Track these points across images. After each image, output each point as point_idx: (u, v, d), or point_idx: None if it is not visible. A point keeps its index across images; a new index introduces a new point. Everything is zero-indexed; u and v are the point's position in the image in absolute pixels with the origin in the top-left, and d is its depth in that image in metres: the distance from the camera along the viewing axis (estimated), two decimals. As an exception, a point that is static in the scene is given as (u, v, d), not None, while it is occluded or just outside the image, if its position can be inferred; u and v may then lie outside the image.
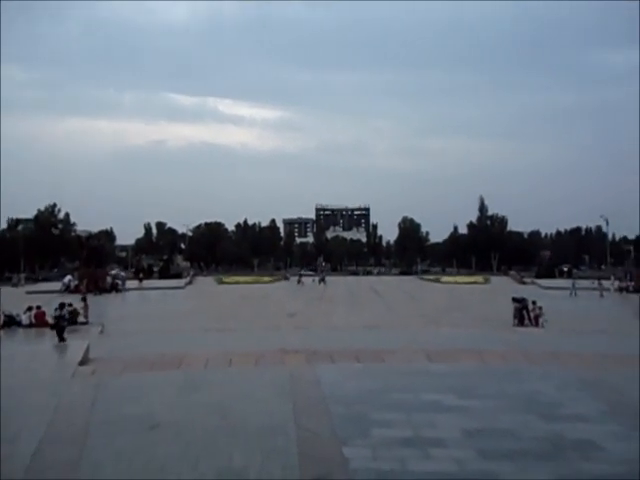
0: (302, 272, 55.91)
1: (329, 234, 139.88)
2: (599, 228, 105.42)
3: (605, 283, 36.39)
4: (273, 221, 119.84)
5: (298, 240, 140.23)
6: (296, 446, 4.84)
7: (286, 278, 51.92)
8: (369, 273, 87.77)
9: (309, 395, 6.64)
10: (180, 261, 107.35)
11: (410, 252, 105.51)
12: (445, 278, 61.12)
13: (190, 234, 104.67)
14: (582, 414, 5.76)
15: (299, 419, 5.60)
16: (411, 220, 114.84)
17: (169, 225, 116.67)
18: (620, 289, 35.50)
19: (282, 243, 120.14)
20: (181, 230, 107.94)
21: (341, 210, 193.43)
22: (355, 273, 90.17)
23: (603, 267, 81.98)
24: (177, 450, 4.78)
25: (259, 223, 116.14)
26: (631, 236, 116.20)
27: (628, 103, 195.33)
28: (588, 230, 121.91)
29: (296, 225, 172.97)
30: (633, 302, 27.43)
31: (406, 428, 5.37)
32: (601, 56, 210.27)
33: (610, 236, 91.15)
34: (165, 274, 63.18)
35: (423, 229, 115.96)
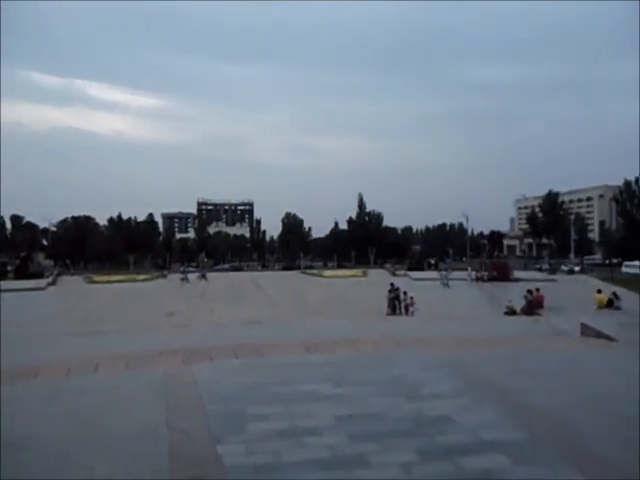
0: (185, 269, 53.86)
1: (211, 229, 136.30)
2: (461, 224, 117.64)
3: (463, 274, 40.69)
4: (151, 215, 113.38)
5: (178, 236, 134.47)
6: (167, 449, 4.64)
7: (164, 275, 49.58)
8: (239, 269, 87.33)
9: (183, 396, 6.41)
10: (42, 259, 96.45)
11: (293, 247, 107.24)
12: (327, 272, 63.38)
13: (54, 229, 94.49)
14: (440, 392, 6.35)
15: (171, 421, 5.38)
16: (294, 216, 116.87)
17: (28, 219, 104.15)
18: (476, 279, 39.90)
19: (161, 239, 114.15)
20: (43, 225, 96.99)
21: (224, 205, 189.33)
22: (238, 269, 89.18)
23: (464, 259, 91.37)
24: (31, 469, 4.28)
25: (135, 217, 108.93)
26: (486, 231, 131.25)
27: (490, 112, 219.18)
28: (452, 226, 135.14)
29: (176, 220, 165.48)
30: (487, 290, 31.07)
31: (282, 420, 5.43)
32: (467, 69, 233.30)
33: (470, 231, 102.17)
34: (22, 274, 56.40)
35: (306, 225, 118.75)
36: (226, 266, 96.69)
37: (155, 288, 38.53)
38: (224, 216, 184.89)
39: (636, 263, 69.34)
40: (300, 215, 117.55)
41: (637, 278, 48.03)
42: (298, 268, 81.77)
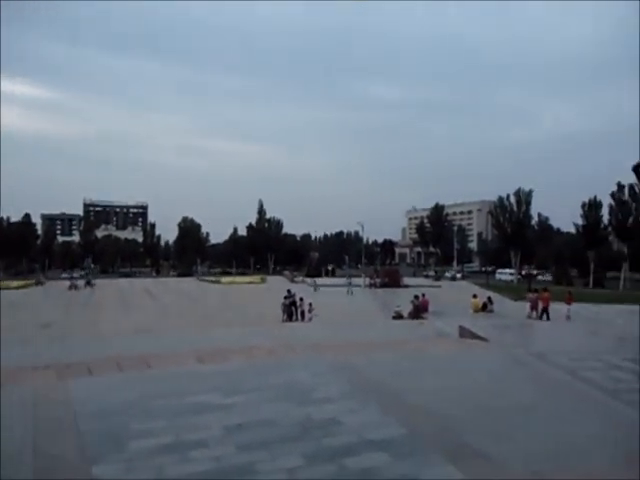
0: (75, 275, 49.22)
1: (99, 233, 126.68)
2: (357, 233, 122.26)
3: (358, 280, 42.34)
4: (27, 216, 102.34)
5: (61, 239, 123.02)
6: (32, 476, 4.19)
7: (40, 282, 44.98)
8: (129, 275, 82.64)
9: (55, 416, 5.84)
10: None
11: (190, 253, 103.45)
12: (225, 279, 62.08)
13: None
14: (330, 396, 6.51)
15: (40, 445, 4.87)
16: (191, 220, 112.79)
17: None
18: (370, 285, 41.73)
19: (39, 242, 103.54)
20: None
21: (115, 207, 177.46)
22: (127, 275, 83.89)
23: (359, 266, 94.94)
24: None
25: (8, 218, 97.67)
26: (380, 240, 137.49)
27: (386, 127, 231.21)
28: (349, 234, 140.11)
29: (58, 222, 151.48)
30: (379, 296, 32.60)
31: (167, 434, 5.19)
32: (367, 85, 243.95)
33: (365, 240, 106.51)
34: None
35: (204, 230, 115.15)
36: (125, 272, 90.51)
37: (31, 296, 34.78)
38: (114, 219, 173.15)
39: (507, 271, 77.46)
40: (198, 220, 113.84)
41: (508, 284, 53.67)
42: (195, 275, 79.14)
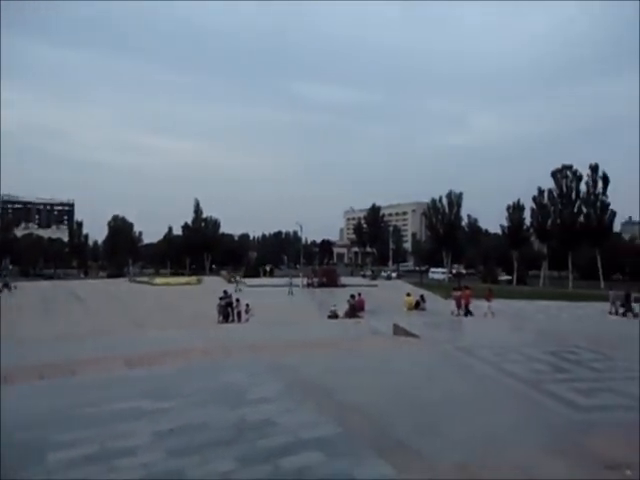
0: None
1: (19, 232, 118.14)
2: (295, 232, 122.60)
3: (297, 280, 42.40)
4: None
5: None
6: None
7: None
8: (51, 278, 77.56)
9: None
10: None
11: (121, 253, 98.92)
12: (158, 280, 59.94)
13: None
14: (265, 397, 6.47)
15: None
16: (123, 219, 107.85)
17: None
18: (307, 285, 41.92)
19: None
20: None
21: (37, 204, 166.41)
22: (51, 277, 78.81)
23: (298, 266, 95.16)
24: None
25: None
26: (319, 240, 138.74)
27: (325, 128, 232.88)
28: (287, 234, 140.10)
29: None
30: (317, 295, 32.84)
31: (92, 444, 4.92)
32: (307, 86, 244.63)
33: (303, 240, 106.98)
34: None
35: (136, 229, 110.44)
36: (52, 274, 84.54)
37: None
38: (36, 217, 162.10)
39: (440, 270, 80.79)
40: (129, 218, 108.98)
41: (440, 283, 55.96)
42: (126, 276, 75.80)
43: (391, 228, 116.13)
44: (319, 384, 7.24)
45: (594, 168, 64.08)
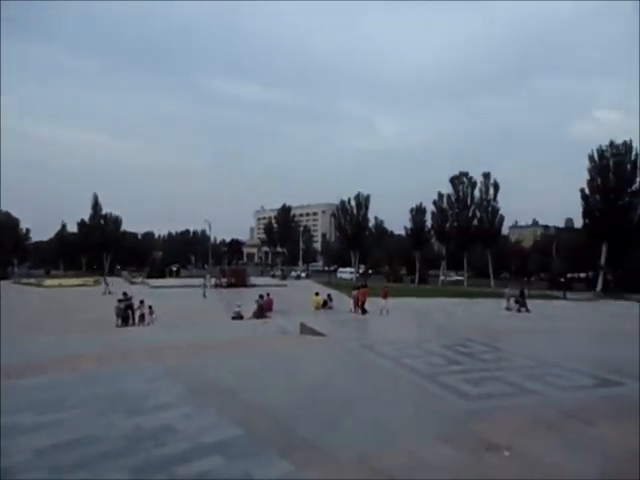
0: None
1: None
2: (204, 231, 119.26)
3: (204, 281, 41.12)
4: None
5: None
6: None
7: None
8: None
9: None
10: None
11: (5, 252, 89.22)
12: (49, 281, 55.24)
13: None
14: (164, 402, 6.17)
15: None
16: (7, 214, 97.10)
17: None
18: (216, 285, 40.89)
19: None
20: None
21: None
22: None
23: (206, 266, 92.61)
24: None
25: None
26: (228, 239, 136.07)
27: (237, 125, 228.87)
28: (195, 232, 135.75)
29: None
30: (225, 296, 32.15)
31: (-42, 467, 4.33)
32: (216, 80, 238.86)
33: (212, 239, 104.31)
34: None
35: (23, 225, 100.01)
36: None
37: None
38: None
39: (348, 269, 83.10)
40: (15, 214, 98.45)
41: (348, 282, 57.48)
42: (11, 277, 68.77)
43: (301, 228, 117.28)
44: (222, 386, 7.06)
45: (486, 175, 69.99)
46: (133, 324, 18.88)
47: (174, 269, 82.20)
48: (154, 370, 8.02)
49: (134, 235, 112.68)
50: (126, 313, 19.06)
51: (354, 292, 23.22)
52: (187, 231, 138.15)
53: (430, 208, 74.96)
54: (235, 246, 57.72)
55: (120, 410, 5.94)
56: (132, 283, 47.50)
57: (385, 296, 22.31)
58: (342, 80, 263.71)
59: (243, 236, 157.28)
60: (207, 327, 16.46)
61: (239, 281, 43.73)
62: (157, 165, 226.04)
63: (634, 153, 54.83)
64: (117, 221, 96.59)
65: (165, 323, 18.22)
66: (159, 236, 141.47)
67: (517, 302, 25.97)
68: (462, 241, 68.81)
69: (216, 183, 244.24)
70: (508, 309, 25.81)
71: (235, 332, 14.95)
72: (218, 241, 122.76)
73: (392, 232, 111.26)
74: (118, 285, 39.78)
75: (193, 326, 16.51)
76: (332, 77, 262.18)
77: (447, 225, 72.06)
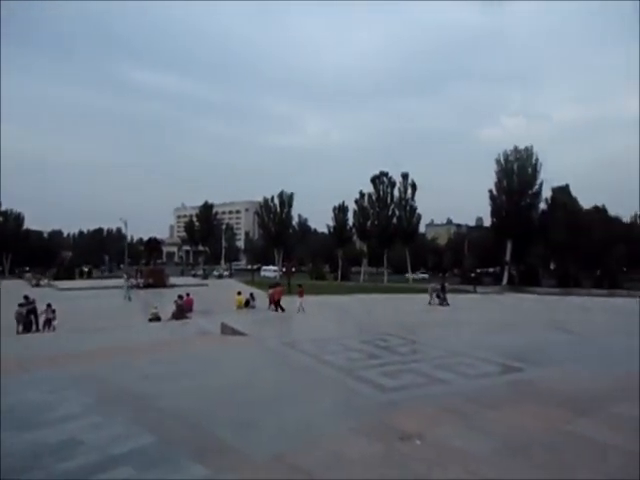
0: None
1: None
2: (119, 230, 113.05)
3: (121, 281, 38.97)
4: None
5: None
6: None
7: None
8: None
9: None
10: None
11: None
12: None
13: None
14: (68, 414, 5.74)
15: None
16: None
17: None
18: (132, 286, 38.86)
19: None
20: None
21: None
22: None
23: (122, 266, 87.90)
24: None
25: None
26: (146, 238, 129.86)
27: (155, 120, 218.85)
28: (109, 231, 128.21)
29: None
30: (142, 297, 30.67)
31: None
32: (135, 72, 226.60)
33: (129, 238, 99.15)
34: None
35: None
36: None
37: None
38: None
39: (272, 268, 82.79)
40: None
41: (272, 281, 57.31)
42: None
43: (224, 226, 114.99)
44: (135, 392, 6.71)
45: (405, 176, 73.00)
46: (37, 330, 17.40)
47: (85, 270, 77.03)
48: (58, 379, 7.44)
49: (39, 234, 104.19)
50: (28, 319, 17.49)
51: (270, 291, 23.47)
52: (100, 230, 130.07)
53: (352, 207, 76.70)
54: (153, 245, 55.00)
55: (16, 424, 5.44)
56: (36, 285, 43.84)
57: (301, 294, 22.58)
58: (266, 77, 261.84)
59: (163, 235, 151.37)
60: (121, 331, 15.58)
61: (157, 281, 41.89)
62: (68, 160, 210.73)
63: (534, 158, 59.93)
64: (19, 218, 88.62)
65: (73, 328, 16.92)
66: (69, 235, 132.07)
67: (439, 297, 27.30)
68: (382, 239, 71.18)
69: (134, 180, 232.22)
70: (430, 304, 27.02)
71: (151, 335, 14.31)
72: (135, 240, 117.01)
73: (315, 230, 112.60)
74: (20, 289, 36.51)
75: (105, 330, 15.54)
76: (256, 74, 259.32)
77: (368, 223, 74.17)
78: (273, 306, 22.28)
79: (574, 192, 63.14)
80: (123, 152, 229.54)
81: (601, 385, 7.20)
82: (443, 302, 26.82)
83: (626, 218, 75.01)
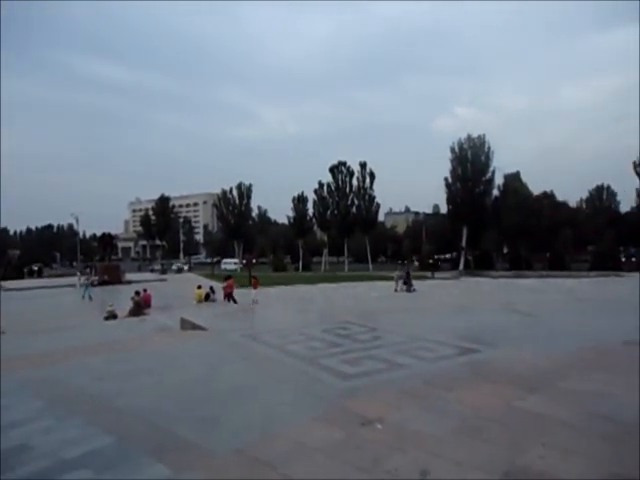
0: None
1: None
2: (71, 226, 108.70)
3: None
4: None
5: None
6: None
7: None
8: None
9: None
10: None
11: None
12: None
13: None
14: (15, 420, 5.49)
15: None
16: None
17: None
18: (91, 284, 37.48)
19: None
20: None
21: None
22: None
23: (75, 263, 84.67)
24: None
25: None
26: (99, 233, 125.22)
27: (106, 111, 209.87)
28: (60, 227, 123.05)
29: None
30: (96, 294, 29.66)
31: None
32: (83, 61, 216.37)
33: (81, 234, 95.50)
34: None
35: None
36: None
37: None
38: None
39: (232, 260, 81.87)
40: None
41: (233, 273, 56.72)
42: None
43: (182, 219, 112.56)
44: (90, 393, 6.50)
45: (363, 165, 73.61)
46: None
47: (35, 269, 73.68)
48: (5, 383, 7.09)
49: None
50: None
51: (224, 284, 23.53)
52: (50, 226, 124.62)
53: (312, 197, 76.72)
54: (107, 240, 52.68)
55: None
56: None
57: (255, 286, 22.57)
58: (221, 69, 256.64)
59: (117, 230, 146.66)
60: (75, 331, 15.01)
61: (113, 278, 40.69)
62: (13, 154, 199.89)
63: (486, 146, 61.76)
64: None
65: (21, 330, 16.20)
66: (15, 232, 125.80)
67: (405, 283, 27.83)
68: (342, 228, 71.73)
69: (85, 173, 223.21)
70: (397, 290, 27.47)
71: (108, 333, 13.86)
72: (88, 236, 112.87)
73: (276, 221, 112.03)
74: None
75: (57, 331, 14.95)
76: (211, 66, 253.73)
77: (328, 213, 74.48)
78: (226, 299, 22.36)
79: (524, 178, 65.75)
80: (73, 146, 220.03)
81: (551, 362, 7.55)
82: (410, 288, 27.36)
83: (572, 203, 78.78)
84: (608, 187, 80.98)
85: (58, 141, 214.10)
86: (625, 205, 73.66)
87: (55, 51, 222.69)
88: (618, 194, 79.15)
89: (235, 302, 21.77)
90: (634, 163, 53.35)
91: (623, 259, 60.15)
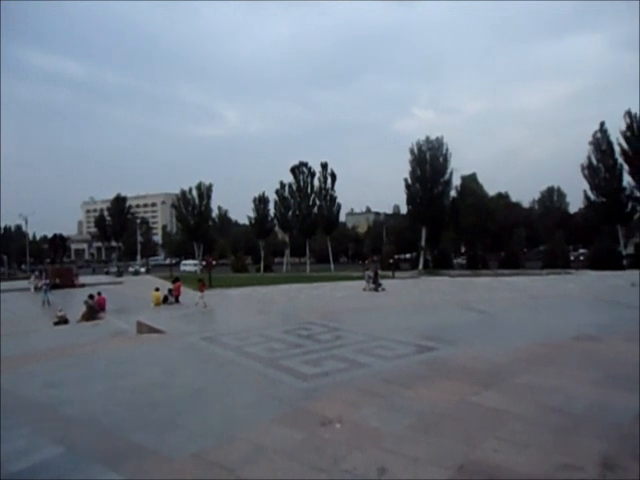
0: None
1: None
2: (19, 227, 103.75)
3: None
4: None
5: None
6: None
7: None
8: None
9: None
10: None
11: None
12: None
13: None
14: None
15: None
16: None
17: None
18: (36, 288, 35.88)
19: None
20: None
21: None
22: None
23: (24, 266, 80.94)
24: None
25: None
26: (50, 234, 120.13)
27: (57, 108, 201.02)
28: (7, 229, 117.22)
29: None
30: (50, 300, 28.41)
31: None
32: (32, 55, 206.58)
33: (31, 235, 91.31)
34: None
35: None
36: None
37: None
38: None
39: (191, 262, 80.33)
40: None
41: (192, 275, 55.57)
42: None
43: (139, 220, 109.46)
44: (37, 402, 6.21)
45: (324, 166, 73.82)
46: None
47: (-19, 272, 69.78)
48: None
49: None
50: None
51: (171, 286, 23.85)
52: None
53: (273, 197, 76.33)
54: (58, 242, 50.32)
55: None
56: None
57: (201, 289, 22.37)
58: (181, 67, 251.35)
59: (70, 231, 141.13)
60: (23, 337, 14.29)
61: (65, 281, 38.95)
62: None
63: (444, 148, 63.27)
64: None
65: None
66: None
67: (374, 282, 28.05)
68: (304, 229, 71.71)
69: (35, 173, 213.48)
70: (365, 290, 27.64)
71: (59, 339, 13.30)
72: (38, 237, 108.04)
73: (237, 222, 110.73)
74: None
75: (3, 338, 14.23)
76: (170, 63, 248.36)
77: (289, 213, 74.25)
78: (174, 300, 22.78)
79: (480, 180, 67.81)
80: (22, 143, 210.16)
81: (505, 358, 7.81)
82: (378, 288, 27.61)
83: (525, 203, 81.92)
84: (558, 188, 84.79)
85: (5, 139, 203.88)
86: (574, 206, 77.38)
87: (2, 44, 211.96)
88: (567, 195, 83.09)
89: (177, 302, 22.49)
90: (582, 166, 55.95)
91: (572, 257, 63.06)
